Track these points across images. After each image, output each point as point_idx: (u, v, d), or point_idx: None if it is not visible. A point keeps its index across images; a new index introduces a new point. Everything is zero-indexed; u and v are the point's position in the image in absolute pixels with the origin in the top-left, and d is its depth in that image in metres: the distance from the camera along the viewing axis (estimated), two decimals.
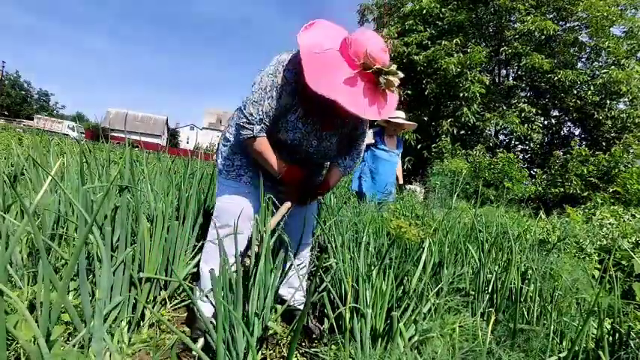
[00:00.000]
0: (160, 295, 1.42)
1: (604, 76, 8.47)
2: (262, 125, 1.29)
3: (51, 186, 1.54)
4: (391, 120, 3.18)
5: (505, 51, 9.66)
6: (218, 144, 1.55)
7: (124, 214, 1.28)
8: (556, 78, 8.85)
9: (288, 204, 1.39)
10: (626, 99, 8.71)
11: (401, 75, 1.19)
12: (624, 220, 2.78)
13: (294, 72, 1.26)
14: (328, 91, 1.13)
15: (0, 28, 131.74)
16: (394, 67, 1.18)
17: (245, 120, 1.28)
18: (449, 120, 9.09)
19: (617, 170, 5.78)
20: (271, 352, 1.29)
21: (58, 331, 0.99)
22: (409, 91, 10.07)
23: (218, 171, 1.48)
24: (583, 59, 9.98)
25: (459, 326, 0.97)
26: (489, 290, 1.28)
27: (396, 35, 10.02)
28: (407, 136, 9.70)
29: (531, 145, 10.03)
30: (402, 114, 3.35)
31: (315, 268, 1.20)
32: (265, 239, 1.26)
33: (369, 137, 3.23)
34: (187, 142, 61.85)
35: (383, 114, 1.20)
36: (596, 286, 1.17)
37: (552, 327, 1.03)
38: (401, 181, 3.64)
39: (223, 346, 1.00)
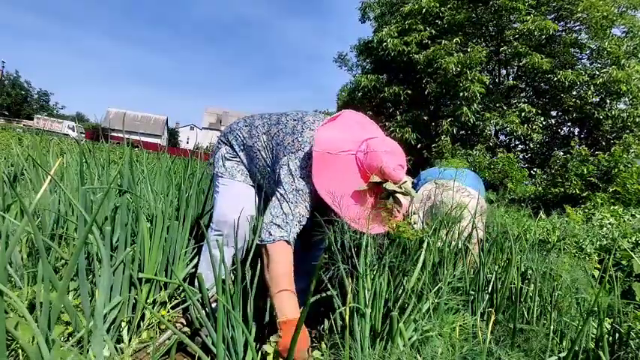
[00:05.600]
0: (159, 295, 1.42)
1: (604, 75, 8.46)
2: (297, 228, 1.18)
3: (51, 186, 1.54)
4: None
5: (505, 51, 9.66)
6: (216, 147, 1.53)
7: (124, 214, 1.28)
8: (556, 78, 8.85)
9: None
10: (627, 99, 8.71)
11: (414, 194, 1.12)
12: (624, 220, 2.78)
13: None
14: (332, 199, 1.08)
15: (0, 28, 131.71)
16: (409, 182, 1.13)
17: (281, 219, 1.15)
18: (449, 120, 9.08)
19: (617, 170, 5.77)
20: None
21: (58, 331, 0.99)
22: (409, 91, 10.08)
23: (214, 175, 1.47)
24: (583, 59, 9.99)
25: (459, 326, 0.97)
26: (489, 290, 1.28)
27: (396, 34, 10.03)
28: (407, 136, 9.70)
29: (531, 145, 10.03)
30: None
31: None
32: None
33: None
34: (187, 142, 61.86)
35: (384, 229, 1.12)
36: (596, 286, 1.17)
37: (552, 327, 1.03)
38: None
39: (223, 346, 1.00)
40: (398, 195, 1.11)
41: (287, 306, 1.04)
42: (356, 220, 1.08)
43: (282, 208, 1.15)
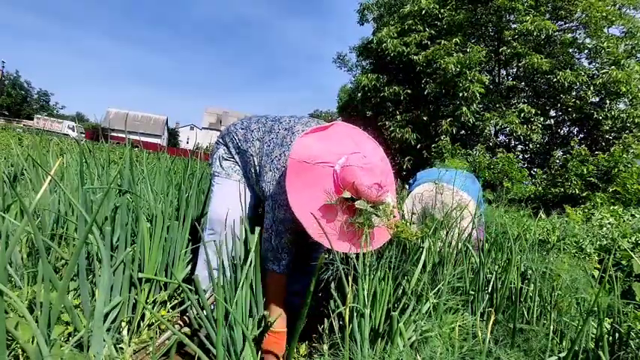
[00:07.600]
0: (159, 295, 1.42)
1: (603, 76, 8.47)
2: (287, 256, 1.26)
3: (51, 186, 1.54)
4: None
5: (504, 51, 9.66)
6: (214, 148, 1.54)
7: (124, 214, 1.28)
8: (555, 79, 8.85)
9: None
10: (626, 99, 8.71)
11: (395, 218, 1.03)
12: (624, 220, 2.78)
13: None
14: (299, 210, 1.04)
15: (0, 28, 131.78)
16: (390, 202, 1.03)
17: (272, 254, 1.25)
18: (448, 120, 9.09)
19: (616, 170, 5.78)
20: None
21: (58, 331, 0.99)
22: (409, 91, 10.08)
23: (211, 174, 1.49)
24: (582, 59, 9.99)
25: (459, 326, 0.97)
26: (489, 290, 1.28)
27: (395, 35, 10.04)
28: (407, 136, 9.70)
29: (531, 145, 10.03)
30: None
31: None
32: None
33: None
34: (187, 142, 61.85)
35: (354, 249, 1.05)
36: (596, 286, 1.17)
37: (552, 327, 1.03)
38: None
39: (223, 347, 1.00)
40: (372, 216, 1.03)
41: (276, 321, 1.22)
42: (319, 232, 1.03)
43: (271, 242, 1.25)
